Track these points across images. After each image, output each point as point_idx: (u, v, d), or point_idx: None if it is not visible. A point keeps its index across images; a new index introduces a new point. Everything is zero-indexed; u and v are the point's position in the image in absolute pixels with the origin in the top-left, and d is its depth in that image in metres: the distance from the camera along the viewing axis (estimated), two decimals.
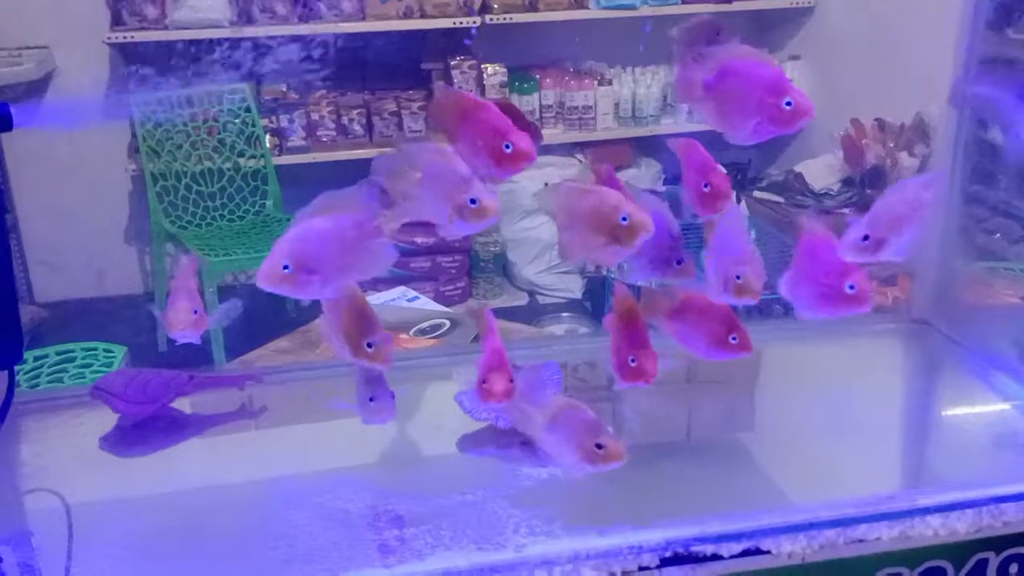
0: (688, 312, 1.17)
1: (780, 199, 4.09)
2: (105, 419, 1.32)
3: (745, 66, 1.07)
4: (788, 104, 1.04)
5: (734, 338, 1.14)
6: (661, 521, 1.07)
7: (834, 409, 1.36)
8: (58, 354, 2.75)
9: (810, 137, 4.43)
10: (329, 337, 1.13)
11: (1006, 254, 3.03)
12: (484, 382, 1.09)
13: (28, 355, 2.62)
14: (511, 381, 1.09)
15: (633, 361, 1.14)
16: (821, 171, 4.04)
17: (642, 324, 1.16)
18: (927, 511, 1.09)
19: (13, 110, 1.04)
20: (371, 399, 1.15)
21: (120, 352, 2.79)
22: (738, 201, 4.27)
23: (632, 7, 4.16)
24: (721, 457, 1.33)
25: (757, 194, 4.18)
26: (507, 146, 1.00)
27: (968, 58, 1.43)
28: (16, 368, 1.20)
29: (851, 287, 1.04)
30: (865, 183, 3.91)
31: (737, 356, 1.15)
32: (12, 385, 1.10)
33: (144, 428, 1.31)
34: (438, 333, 2.16)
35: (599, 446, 1.06)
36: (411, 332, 2.17)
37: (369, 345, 1.09)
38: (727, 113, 1.08)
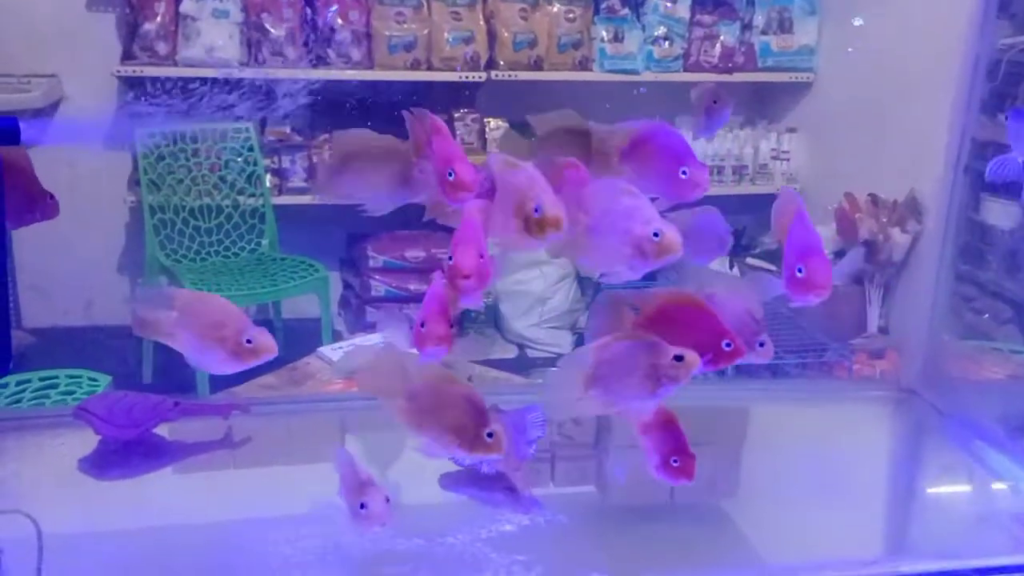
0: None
1: (772, 267, 4.13)
2: (86, 441, 1.30)
3: (655, 135, 1.09)
4: (683, 173, 1.06)
5: (675, 460, 1.09)
6: (643, 572, 1.06)
7: (818, 474, 1.36)
8: (41, 380, 2.73)
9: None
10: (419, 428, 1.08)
11: (994, 334, 3.05)
12: (422, 325, 1.00)
13: (11, 379, 2.60)
14: (451, 327, 1.01)
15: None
16: None
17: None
18: None
19: (22, 126, 1.05)
20: (361, 505, 1.03)
21: (104, 381, 2.77)
22: (731, 267, 4.31)
23: (634, 72, 4.23)
24: (702, 519, 1.32)
25: (750, 260, 4.22)
26: (451, 174, 1.02)
27: (962, 139, 1.46)
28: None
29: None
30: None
31: (676, 482, 1.10)
32: None
33: (125, 452, 1.30)
34: None
35: None
36: None
37: (490, 435, 1.03)
38: (638, 177, 1.10)
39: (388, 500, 1.03)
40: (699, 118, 1.29)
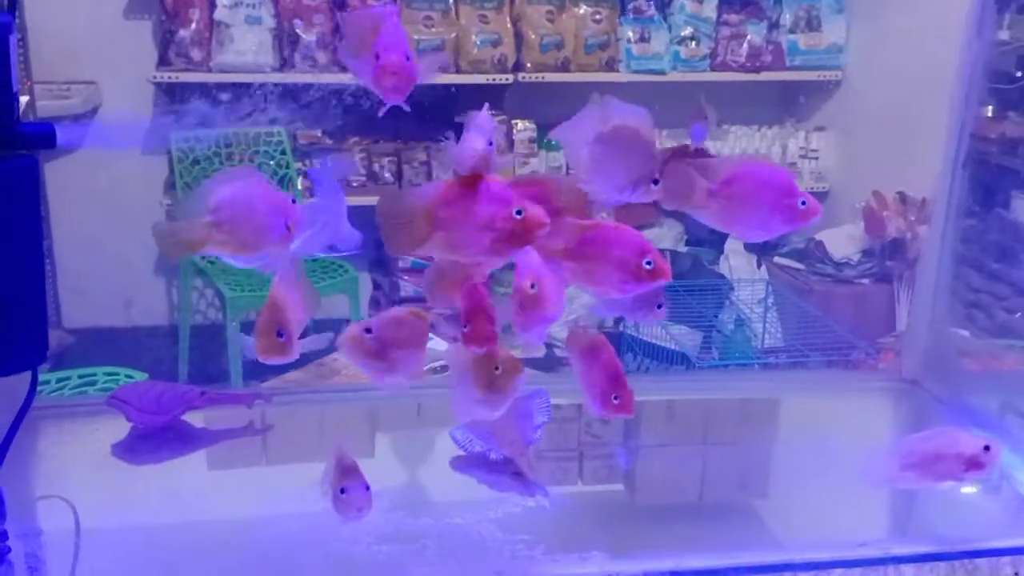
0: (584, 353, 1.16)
1: (800, 266, 4.13)
2: (119, 428, 1.38)
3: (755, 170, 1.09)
4: (802, 204, 1.06)
5: (616, 398, 1.10)
6: (639, 553, 1.10)
7: (819, 461, 1.38)
8: (80, 377, 2.82)
9: (833, 207, 4.48)
10: None
11: None
12: (466, 326, 1.02)
13: (51, 376, 2.70)
14: (493, 324, 1.03)
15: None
16: (842, 241, 4.08)
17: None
18: (900, 560, 1.11)
19: (63, 131, 1.12)
20: (342, 491, 1.04)
21: (141, 379, 2.85)
22: (758, 266, 4.31)
23: (661, 72, 4.26)
24: (712, 505, 1.36)
25: (778, 259, 4.22)
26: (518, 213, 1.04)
27: (960, 135, 1.49)
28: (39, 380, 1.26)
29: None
30: (885, 255, 3.94)
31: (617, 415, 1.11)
32: (34, 384, 1.16)
33: (155, 438, 1.37)
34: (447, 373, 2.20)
35: None
36: None
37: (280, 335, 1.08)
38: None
39: (368, 488, 1.05)
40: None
